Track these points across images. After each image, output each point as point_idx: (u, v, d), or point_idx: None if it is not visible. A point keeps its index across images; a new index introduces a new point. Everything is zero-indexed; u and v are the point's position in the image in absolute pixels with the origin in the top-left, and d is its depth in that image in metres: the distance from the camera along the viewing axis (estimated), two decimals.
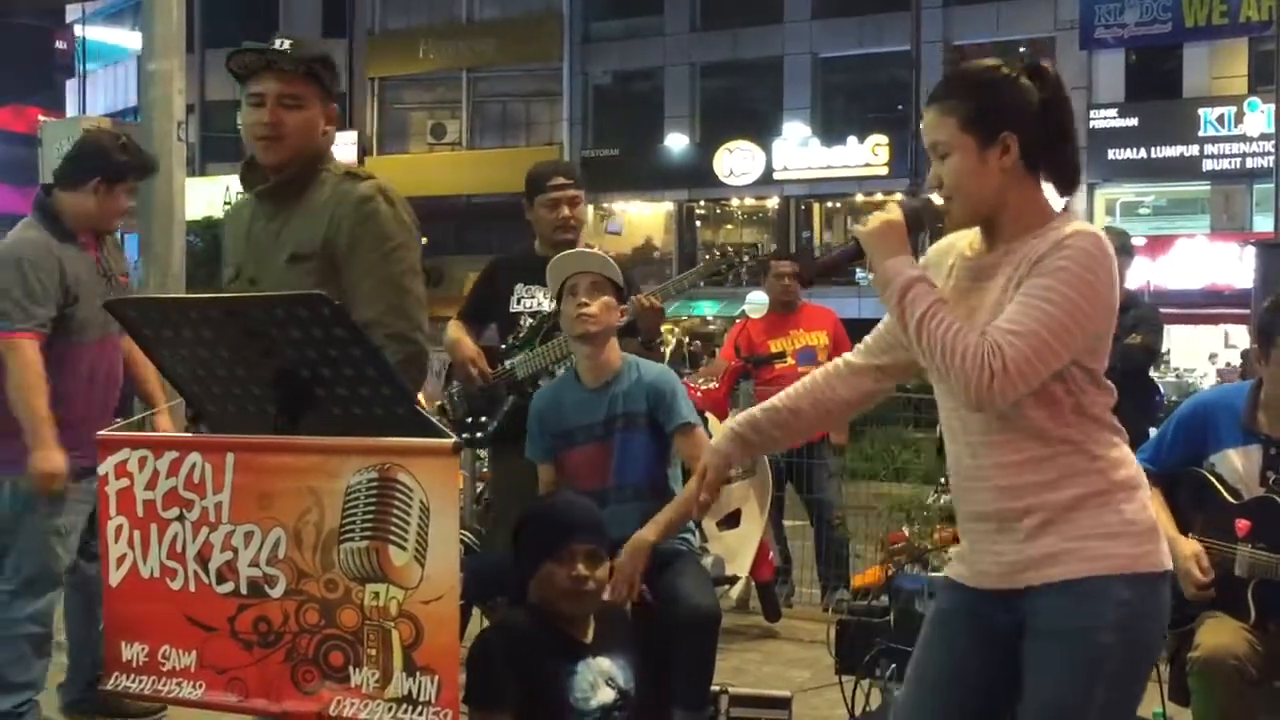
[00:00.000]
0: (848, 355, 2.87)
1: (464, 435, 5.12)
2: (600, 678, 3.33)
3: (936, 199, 2.60)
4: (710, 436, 5.95)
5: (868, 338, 2.83)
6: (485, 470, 7.88)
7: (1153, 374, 6.92)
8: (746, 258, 5.18)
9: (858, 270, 2.60)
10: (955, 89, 2.53)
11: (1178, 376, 21.18)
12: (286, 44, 3.32)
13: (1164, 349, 6.50)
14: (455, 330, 4.92)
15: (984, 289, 2.52)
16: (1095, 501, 2.48)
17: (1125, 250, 6.39)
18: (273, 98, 3.31)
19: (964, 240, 2.63)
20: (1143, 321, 6.25)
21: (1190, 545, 3.76)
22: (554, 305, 4.36)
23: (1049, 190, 2.57)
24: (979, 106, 2.48)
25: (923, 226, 2.58)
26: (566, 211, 4.81)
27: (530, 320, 4.80)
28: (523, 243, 5.26)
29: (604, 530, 3.52)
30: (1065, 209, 2.55)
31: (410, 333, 3.28)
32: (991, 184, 2.49)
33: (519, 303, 4.86)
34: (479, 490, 7.37)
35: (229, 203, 4.07)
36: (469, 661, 3.29)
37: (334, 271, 3.29)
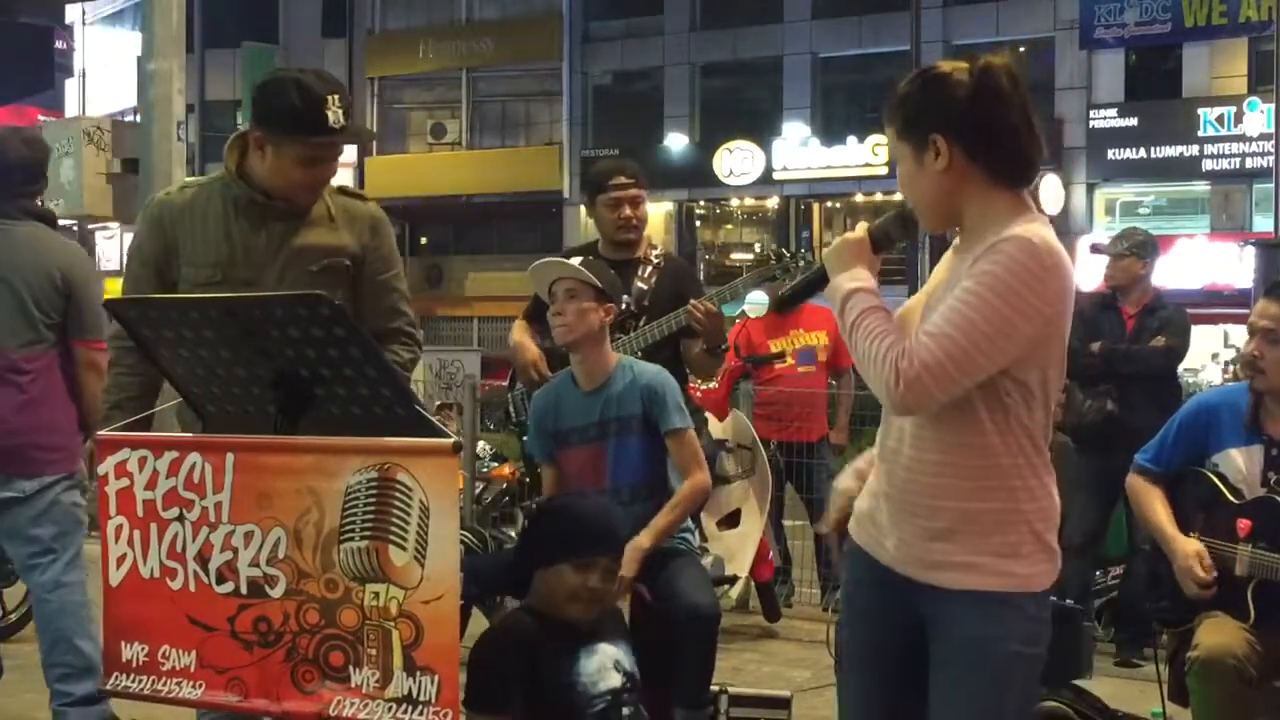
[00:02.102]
0: None
1: (524, 438, 5.12)
2: (607, 660, 3.34)
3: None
4: (710, 436, 5.98)
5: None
6: (486, 470, 7.89)
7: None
8: (801, 260, 5.19)
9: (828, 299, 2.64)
10: (888, 103, 2.55)
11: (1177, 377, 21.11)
12: (346, 118, 3.39)
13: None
14: (519, 333, 4.88)
15: (949, 284, 2.53)
16: (1001, 518, 2.47)
17: (1150, 250, 6.38)
18: (328, 160, 3.44)
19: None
20: (1168, 324, 6.23)
21: (1192, 544, 3.75)
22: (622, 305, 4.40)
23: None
24: (907, 114, 2.50)
25: (894, 241, 2.60)
26: (628, 211, 4.80)
27: None
28: (539, 240, 5.26)
29: (622, 542, 3.55)
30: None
31: (418, 335, 3.63)
32: (930, 187, 2.50)
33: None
34: (479, 490, 7.38)
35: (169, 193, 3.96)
36: (470, 666, 3.29)
37: (352, 281, 3.46)
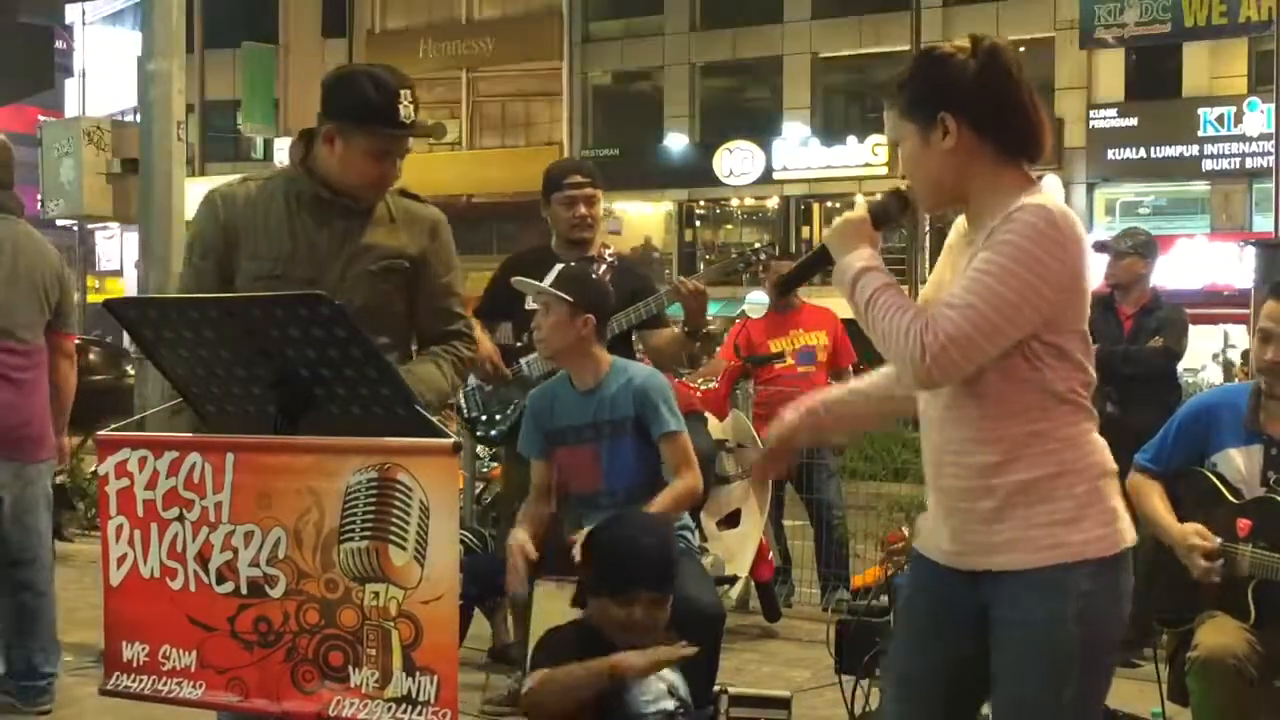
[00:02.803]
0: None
1: (477, 433, 5.15)
2: (662, 684, 3.32)
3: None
4: (710, 436, 5.98)
5: None
6: (485, 470, 7.88)
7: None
8: (765, 256, 5.19)
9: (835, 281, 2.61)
10: (892, 83, 2.54)
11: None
12: (415, 114, 3.43)
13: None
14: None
15: (957, 266, 2.52)
16: (1046, 487, 2.44)
17: (1152, 250, 6.37)
18: (396, 155, 3.46)
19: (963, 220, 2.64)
20: (1167, 324, 6.22)
21: (1189, 525, 3.74)
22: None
23: (1051, 184, 2.56)
24: (912, 93, 2.49)
25: (893, 219, 2.58)
26: (583, 210, 4.83)
27: None
28: (538, 240, 5.28)
29: (672, 570, 3.43)
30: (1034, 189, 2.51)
31: (472, 348, 3.66)
32: (937, 166, 2.48)
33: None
34: (479, 490, 7.38)
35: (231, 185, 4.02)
36: (538, 645, 3.41)
37: (412, 286, 3.47)
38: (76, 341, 5.08)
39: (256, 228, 3.41)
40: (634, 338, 4.96)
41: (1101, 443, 2.54)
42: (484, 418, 4.88)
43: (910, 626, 2.70)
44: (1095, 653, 2.48)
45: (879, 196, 2.61)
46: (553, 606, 3.78)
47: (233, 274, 3.41)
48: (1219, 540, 3.71)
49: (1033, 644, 2.45)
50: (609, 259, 4.96)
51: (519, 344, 4.87)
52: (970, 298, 2.34)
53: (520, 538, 3.92)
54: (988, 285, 2.34)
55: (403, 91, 3.35)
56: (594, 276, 4.41)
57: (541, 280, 4.25)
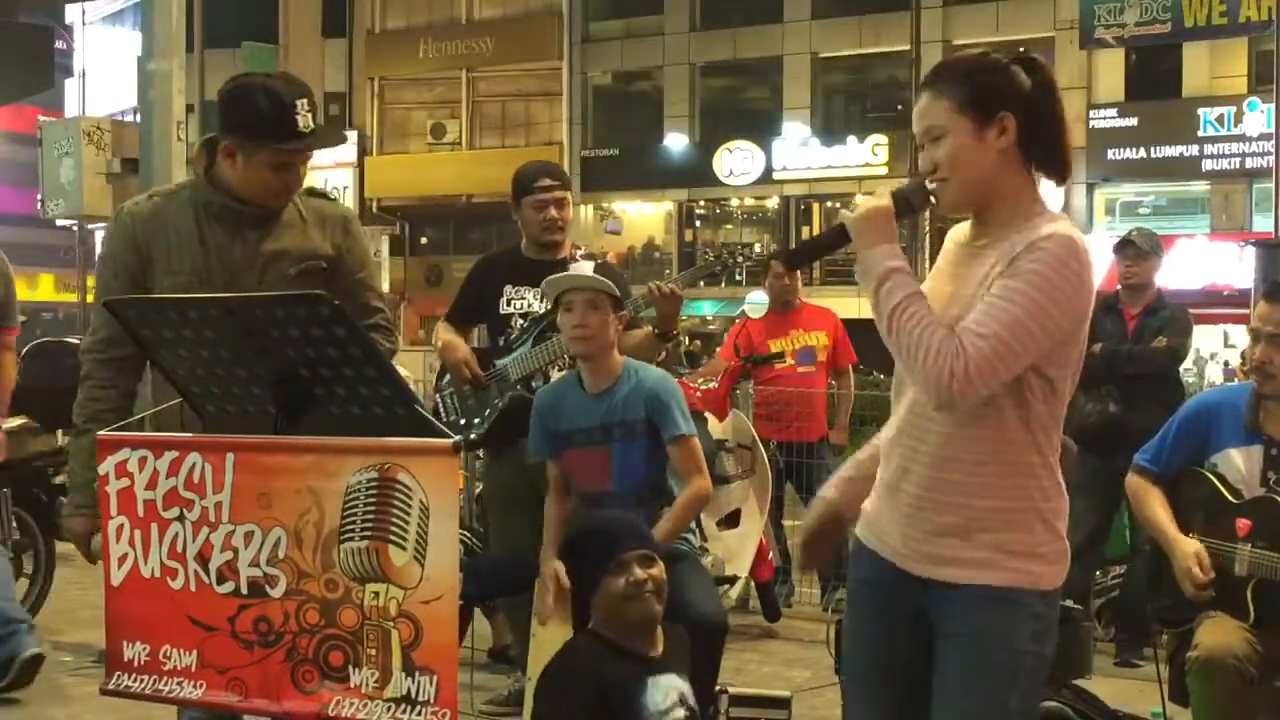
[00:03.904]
0: None
1: (456, 436, 5.14)
2: (673, 693, 3.33)
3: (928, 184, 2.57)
4: (710, 436, 5.98)
5: None
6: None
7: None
8: (740, 258, 5.19)
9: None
10: (948, 74, 2.53)
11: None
12: (316, 122, 3.35)
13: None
14: (445, 332, 4.94)
15: (964, 277, 2.52)
16: (1013, 516, 2.48)
17: (1154, 251, 6.37)
18: (298, 164, 3.38)
19: (964, 226, 2.64)
20: (1170, 324, 6.22)
21: (1191, 544, 3.76)
22: (547, 307, 4.38)
23: (1048, 187, 2.57)
24: (975, 88, 2.49)
25: (914, 211, 2.57)
26: (553, 213, 4.83)
27: (522, 321, 4.81)
28: (508, 243, 5.28)
29: (647, 534, 3.55)
30: (1064, 208, 2.54)
31: (392, 327, 3.66)
32: (987, 164, 2.49)
33: (509, 304, 4.87)
34: (479, 490, 7.37)
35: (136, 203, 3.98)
36: (540, 690, 3.38)
37: (330, 285, 3.37)
38: (75, 341, 5.18)
39: (169, 242, 3.38)
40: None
41: (1061, 484, 2.56)
42: (462, 421, 4.88)
43: (858, 622, 2.71)
44: (1038, 674, 2.54)
45: (905, 186, 2.56)
46: (552, 636, 3.78)
47: (150, 290, 3.37)
48: (1219, 552, 3.72)
49: (984, 656, 2.48)
50: (580, 259, 4.95)
51: (496, 346, 4.87)
52: (998, 329, 2.36)
53: (555, 566, 3.87)
54: (1016, 317, 2.36)
55: (299, 101, 3.26)
56: (624, 280, 4.38)
57: (527, 284, 4.25)
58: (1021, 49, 2.66)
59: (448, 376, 4.98)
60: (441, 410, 5.07)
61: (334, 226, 3.48)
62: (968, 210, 2.58)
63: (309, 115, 3.29)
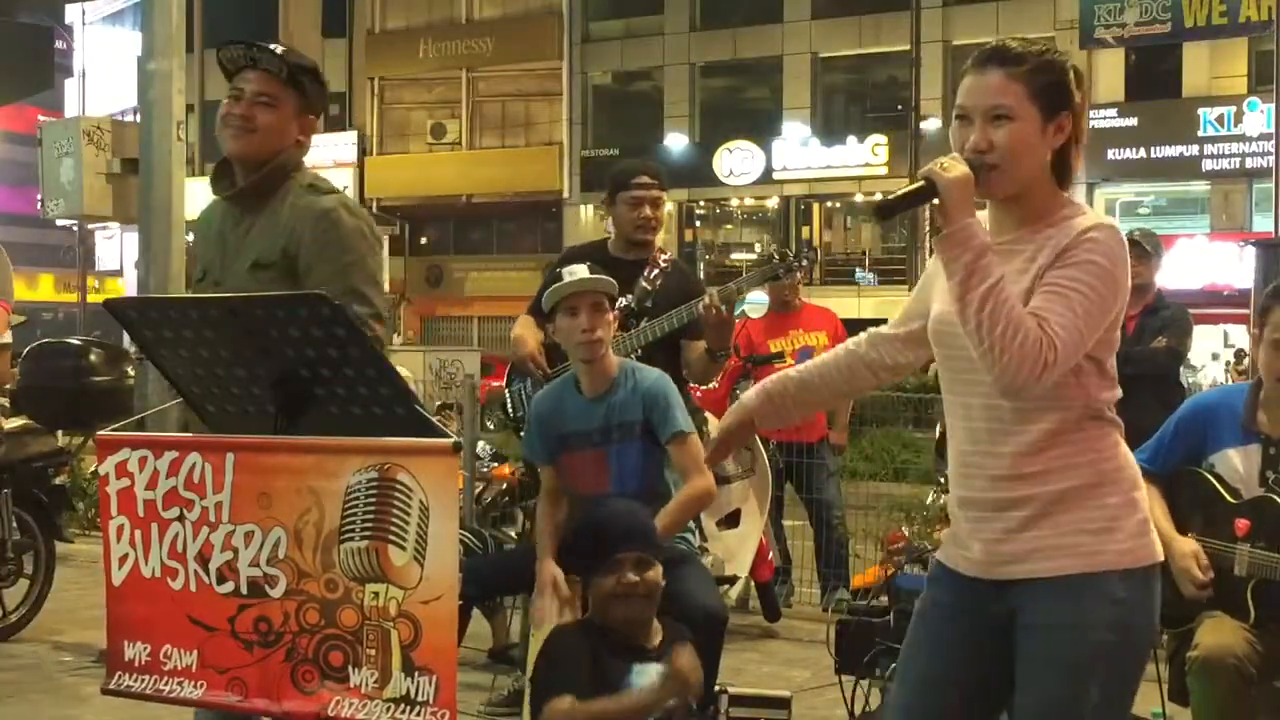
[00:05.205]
0: (873, 329, 2.86)
1: (521, 433, 5.12)
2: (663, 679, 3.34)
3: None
4: (710, 436, 5.97)
5: (895, 314, 2.83)
6: (486, 470, 7.88)
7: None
8: (806, 260, 5.14)
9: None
10: (1027, 59, 2.49)
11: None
12: (277, 48, 3.41)
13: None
14: (520, 327, 4.87)
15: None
16: (1083, 496, 2.47)
17: (1156, 252, 6.38)
18: (251, 93, 3.39)
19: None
20: (1171, 324, 6.22)
21: (1188, 544, 3.76)
22: (625, 304, 4.42)
23: None
24: (1051, 82, 2.49)
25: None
26: (648, 212, 4.79)
27: None
28: (542, 240, 5.26)
29: (649, 534, 3.55)
30: (1080, 204, 2.58)
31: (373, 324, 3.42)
32: (1040, 159, 2.50)
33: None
34: (479, 490, 7.37)
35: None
36: (541, 652, 3.43)
37: (294, 281, 3.30)
38: (75, 341, 5.15)
39: (200, 234, 3.57)
40: (681, 348, 4.83)
41: (1127, 452, 2.57)
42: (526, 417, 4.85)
43: (924, 640, 2.67)
44: (1124, 662, 2.49)
45: (969, 159, 2.46)
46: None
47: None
48: (1218, 552, 3.72)
49: (1060, 647, 2.45)
50: (663, 263, 4.90)
51: None
52: (1074, 317, 2.40)
53: (552, 572, 3.87)
54: (1085, 305, 2.41)
55: (233, 48, 3.43)
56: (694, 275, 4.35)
57: (622, 280, 4.21)
58: None
59: (519, 373, 4.94)
60: (510, 408, 5.04)
61: (306, 218, 3.37)
62: (1005, 196, 2.53)
63: (243, 50, 3.42)
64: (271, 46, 3.41)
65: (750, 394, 2.86)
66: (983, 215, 2.56)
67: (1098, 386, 2.54)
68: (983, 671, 2.56)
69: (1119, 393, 2.59)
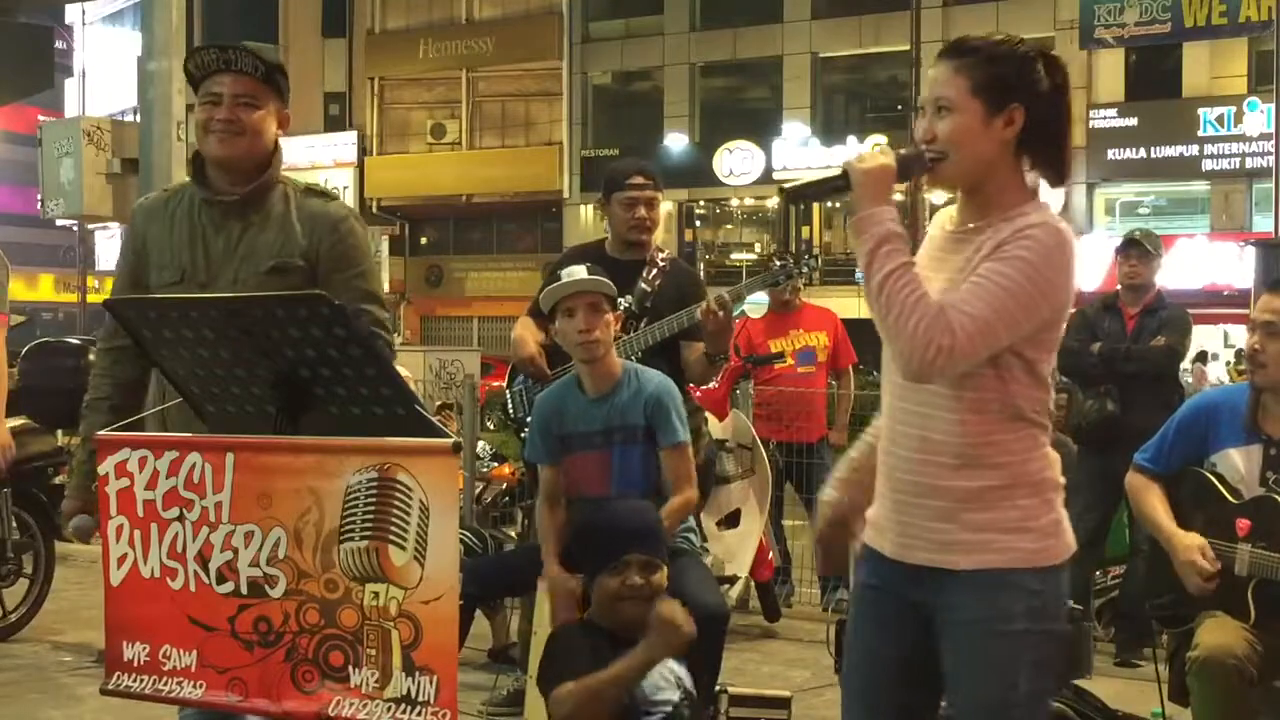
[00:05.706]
0: None
1: (522, 434, 5.12)
2: (667, 674, 3.35)
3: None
4: (710, 436, 5.97)
5: None
6: (486, 470, 7.89)
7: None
8: (806, 267, 5.13)
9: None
10: (973, 52, 2.52)
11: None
12: (248, 46, 3.37)
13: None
14: (520, 328, 4.86)
15: (947, 261, 2.53)
16: (999, 496, 2.48)
17: (1156, 251, 6.38)
18: (230, 96, 3.34)
19: (949, 212, 2.64)
20: (1169, 323, 6.23)
21: (1193, 538, 3.75)
22: (624, 305, 4.39)
23: (1044, 188, 2.57)
24: (995, 75, 2.49)
25: (908, 178, 2.57)
26: (643, 212, 4.78)
27: None
28: (543, 240, 5.26)
29: (657, 536, 3.54)
30: (1064, 208, 2.56)
31: (388, 340, 3.53)
32: (987, 150, 2.49)
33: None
34: (479, 490, 7.38)
35: (151, 195, 4.06)
36: (547, 646, 3.44)
37: (311, 285, 3.32)
38: (75, 341, 5.15)
39: (162, 236, 3.43)
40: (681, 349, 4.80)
41: (1054, 457, 2.57)
42: (529, 418, 4.86)
43: (861, 623, 2.71)
44: (1046, 652, 2.53)
45: (906, 151, 2.55)
46: None
47: (143, 282, 3.44)
48: (1219, 552, 3.72)
49: (984, 641, 2.48)
50: (661, 263, 4.88)
51: None
52: (982, 309, 2.37)
53: (563, 580, 3.81)
54: (1000, 298, 2.38)
55: (211, 50, 3.35)
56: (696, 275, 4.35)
57: (619, 280, 4.19)
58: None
59: (521, 374, 4.94)
60: (512, 408, 5.04)
61: (322, 226, 3.40)
62: (955, 188, 2.58)
63: (216, 54, 3.35)
64: (243, 46, 3.37)
65: (827, 488, 2.81)
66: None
67: (1024, 386, 2.49)
68: (916, 641, 2.58)
69: (1051, 397, 2.57)
